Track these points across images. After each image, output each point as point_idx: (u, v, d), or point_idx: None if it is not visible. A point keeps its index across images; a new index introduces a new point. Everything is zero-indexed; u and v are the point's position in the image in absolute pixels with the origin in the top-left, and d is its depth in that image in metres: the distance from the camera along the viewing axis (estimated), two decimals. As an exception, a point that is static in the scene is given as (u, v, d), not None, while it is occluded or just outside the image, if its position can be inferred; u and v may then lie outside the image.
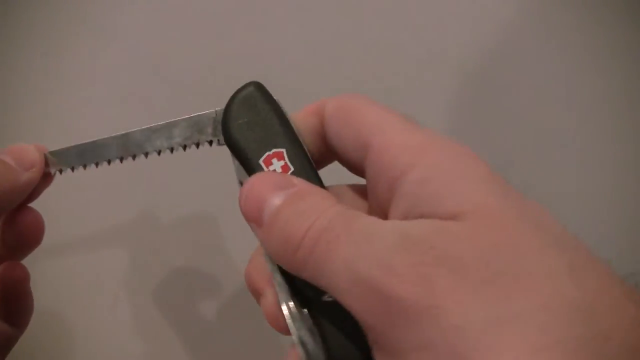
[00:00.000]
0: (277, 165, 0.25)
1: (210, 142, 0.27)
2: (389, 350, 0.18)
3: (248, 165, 0.25)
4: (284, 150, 0.25)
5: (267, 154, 0.25)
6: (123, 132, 0.27)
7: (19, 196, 0.26)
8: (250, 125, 0.25)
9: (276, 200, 0.21)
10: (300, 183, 0.22)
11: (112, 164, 0.27)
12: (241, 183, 0.26)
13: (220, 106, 0.26)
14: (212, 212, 0.43)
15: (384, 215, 0.22)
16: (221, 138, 0.26)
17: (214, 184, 0.42)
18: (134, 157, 0.27)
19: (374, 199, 0.23)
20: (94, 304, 0.40)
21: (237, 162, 0.26)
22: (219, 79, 0.42)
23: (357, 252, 0.19)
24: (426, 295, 0.17)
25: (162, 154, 0.27)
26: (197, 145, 0.27)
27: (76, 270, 0.41)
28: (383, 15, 0.42)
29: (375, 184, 0.22)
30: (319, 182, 0.25)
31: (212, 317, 0.44)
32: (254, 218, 0.22)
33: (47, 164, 0.27)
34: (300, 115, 0.25)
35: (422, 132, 0.22)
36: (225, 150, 0.27)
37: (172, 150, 0.27)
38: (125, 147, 0.27)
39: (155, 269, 0.43)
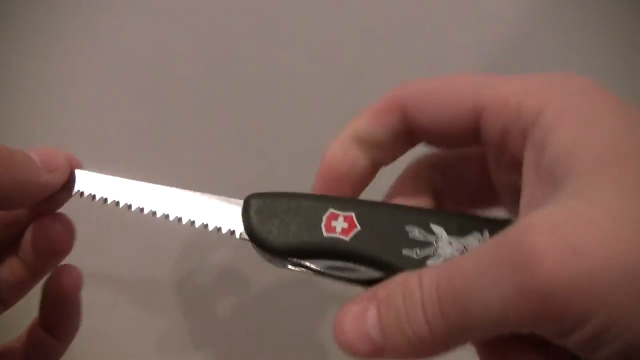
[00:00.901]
0: (339, 224, 0.23)
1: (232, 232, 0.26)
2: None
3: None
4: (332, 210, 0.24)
5: (325, 215, 0.23)
6: (160, 186, 0.27)
7: (33, 194, 0.25)
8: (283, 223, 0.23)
9: (371, 319, 0.20)
10: (371, 290, 0.21)
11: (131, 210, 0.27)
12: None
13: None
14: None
15: (517, 166, 0.21)
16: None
17: (217, 186, 0.42)
18: (154, 214, 0.27)
19: (497, 156, 0.22)
20: (94, 304, 0.40)
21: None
22: (219, 78, 0.42)
23: (486, 282, 0.18)
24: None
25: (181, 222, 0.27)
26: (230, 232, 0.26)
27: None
28: (383, 16, 0.42)
29: (497, 140, 0.21)
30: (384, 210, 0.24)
31: (212, 317, 0.44)
32: (371, 351, 0.21)
33: (71, 178, 0.27)
34: (366, 116, 0.24)
35: (529, 76, 0.21)
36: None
37: (192, 224, 0.27)
38: (155, 201, 0.27)
39: (155, 269, 0.43)
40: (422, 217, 0.23)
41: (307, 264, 0.23)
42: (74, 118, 0.42)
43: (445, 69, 0.43)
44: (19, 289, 0.28)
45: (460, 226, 0.23)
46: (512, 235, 0.18)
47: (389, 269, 0.22)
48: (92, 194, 0.27)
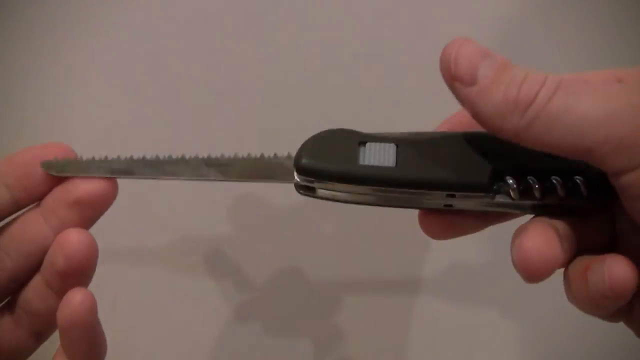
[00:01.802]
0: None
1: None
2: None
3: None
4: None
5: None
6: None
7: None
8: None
9: (488, 63, 0.22)
10: (502, 57, 0.23)
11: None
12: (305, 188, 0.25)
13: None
14: (211, 212, 0.43)
15: None
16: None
17: (215, 185, 0.42)
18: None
19: None
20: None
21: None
22: (218, 78, 0.42)
23: (606, 96, 0.20)
24: None
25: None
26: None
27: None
28: (383, 15, 0.42)
29: None
30: None
31: (212, 317, 0.44)
32: (466, 77, 0.22)
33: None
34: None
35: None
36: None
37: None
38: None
39: (155, 269, 0.43)
40: None
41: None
42: (74, 118, 0.42)
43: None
44: (51, 318, 0.25)
45: None
46: None
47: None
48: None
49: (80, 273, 0.25)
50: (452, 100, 0.24)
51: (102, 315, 0.42)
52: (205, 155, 0.26)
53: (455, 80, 0.23)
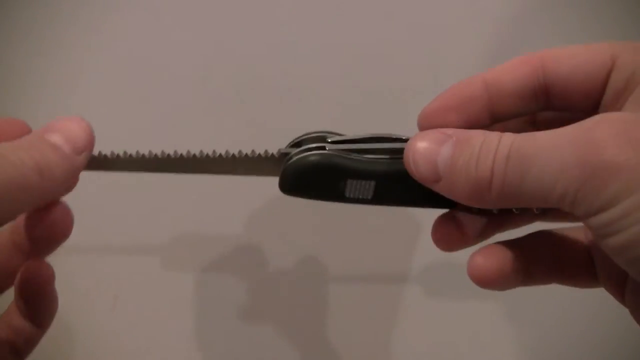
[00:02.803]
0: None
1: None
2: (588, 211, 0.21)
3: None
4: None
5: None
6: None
7: (73, 182, 0.25)
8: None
9: (445, 152, 0.24)
10: (455, 132, 0.24)
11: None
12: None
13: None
14: (210, 212, 0.43)
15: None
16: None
17: (214, 185, 0.42)
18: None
19: (612, 103, 0.24)
20: (93, 305, 0.40)
21: None
22: (219, 78, 0.42)
23: (554, 153, 0.21)
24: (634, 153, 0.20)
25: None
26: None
27: (75, 272, 0.41)
28: (383, 15, 0.42)
29: (621, 87, 0.24)
30: None
31: (212, 317, 0.44)
32: (430, 177, 0.24)
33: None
34: (506, 64, 0.26)
35: None
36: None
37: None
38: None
39: (154, 270, 0.43)
40: None
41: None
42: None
43: (446, 69, 0.43)
44: (12, 276, 0.28)
45: None
46: (587, 124, 0.21)
47: None
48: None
49: (54, 242, 0.27)
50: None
51: (102, 315, 0.42)
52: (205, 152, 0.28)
53: (422, 181, 0.25)
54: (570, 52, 0.25)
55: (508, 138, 0.23)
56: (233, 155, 0.28)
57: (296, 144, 0.28)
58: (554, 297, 0.44)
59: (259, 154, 0.28)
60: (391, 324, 0.46)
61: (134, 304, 0.43)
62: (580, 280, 0.27)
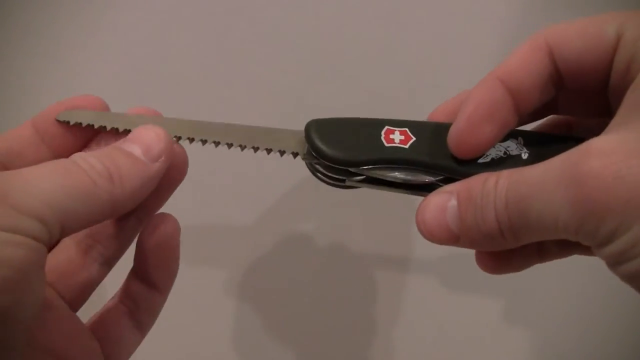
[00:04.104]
0: (397, 136, 0.26)
1: (295, 155, 0.27)
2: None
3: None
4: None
5: (385, 128, 0.26)
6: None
7: (148, 190, 0.24)
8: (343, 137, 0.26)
9: (452, 214, 0.24)
10: (455, 187, 0.24)
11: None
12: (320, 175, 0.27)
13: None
14: (209, 212, 0.43)
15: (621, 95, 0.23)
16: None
17: (214, 185, 0.42)
18: (216, 143, 0.27)
19: (618, 85, 0.24)
20: (94, 305, 0.40)
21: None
22: (219, 79, 0.42)
23: (545, 193, 0.21)
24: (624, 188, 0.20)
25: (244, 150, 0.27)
26: (281, 153, 0.27)
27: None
28: (383, 15, 0.42)
29: (624, 66, 0.23)
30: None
31: (212, 317, 0.44)
32: (449, 241, 0.24)
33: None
34: (518, 56, 0.25)
35: None
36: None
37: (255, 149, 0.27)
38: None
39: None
40: None
41: (368, 173, 0.26)
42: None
43: (445, 69, 0.43)
44: (120, 249, 0.28)
45: None
46: (574, 157, 0.21)
47: (442, 173, 0.26)
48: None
49: (173, 183, 0.27)
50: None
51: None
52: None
53: (446, 244, 0.24)
54: (573, 31, 0.24)
55: (503, 182, 0.22)
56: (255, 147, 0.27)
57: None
58: (556, 293, 0.44)
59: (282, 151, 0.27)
60: (392, 316, 0.46)
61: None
62: None
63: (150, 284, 0.27)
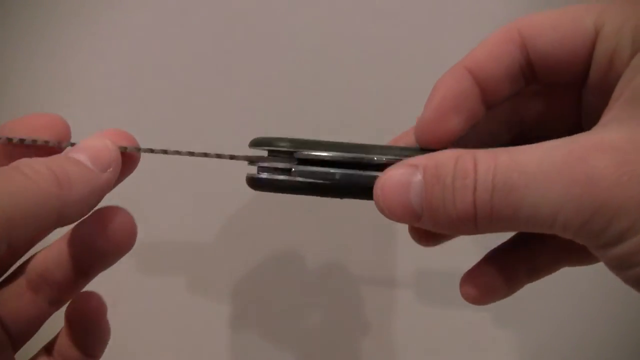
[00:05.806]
0: None
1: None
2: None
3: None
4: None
5: None
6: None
7: (97, 200, 0.23)
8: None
9: (416, 189, 0.21)
10: (421, 160, 0.22)
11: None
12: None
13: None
14: (210, 212, 0.43)
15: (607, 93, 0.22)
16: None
17: (211, 187, 0.42)
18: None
19: (599, 82, 0.23)
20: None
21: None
22: (219, 79, 0.42)
23: (547, 186, 0.19)
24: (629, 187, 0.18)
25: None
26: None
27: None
28: (383, 15, 0.42)
29: (605, 62, 0.22)
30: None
31: (212, 317, 0.44)
32: (408, 219, 0.22)
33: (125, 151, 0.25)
34: (488, 47, 0.24)
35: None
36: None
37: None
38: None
39: (154, 270, 0.43)
40: None
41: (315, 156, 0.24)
42: (75, 118, 0.42)
43: (445, 66, 0.43)
44: (70, 291, 0.27)
45: None
46: (578, 151, 0.19)
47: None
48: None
49: (116, 254, 0.25)
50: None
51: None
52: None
53: (400, 222, 0.22)
54: (548, 23, 0.23)
55: (485, 163, 0.20)
56: (205, 154, 0.27)
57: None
58: (552, 300, 0.44)
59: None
60: (385, 327, 0.46)
61: (134, 304, 0.43)
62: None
63: (81, 350, 0.27)
